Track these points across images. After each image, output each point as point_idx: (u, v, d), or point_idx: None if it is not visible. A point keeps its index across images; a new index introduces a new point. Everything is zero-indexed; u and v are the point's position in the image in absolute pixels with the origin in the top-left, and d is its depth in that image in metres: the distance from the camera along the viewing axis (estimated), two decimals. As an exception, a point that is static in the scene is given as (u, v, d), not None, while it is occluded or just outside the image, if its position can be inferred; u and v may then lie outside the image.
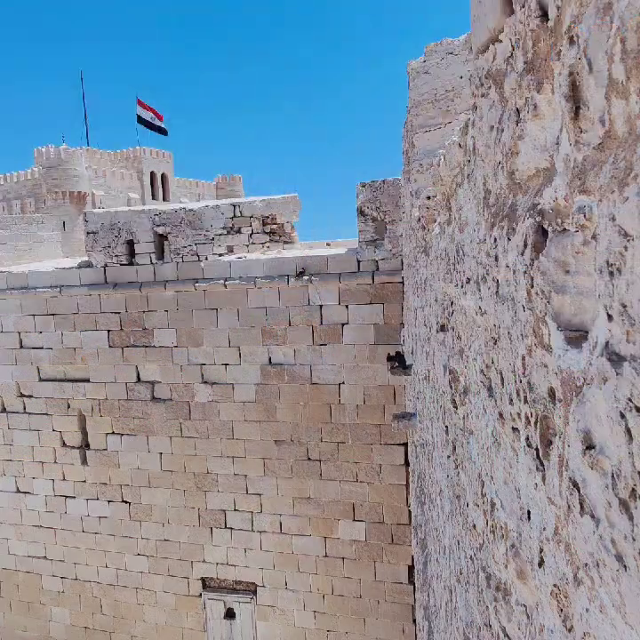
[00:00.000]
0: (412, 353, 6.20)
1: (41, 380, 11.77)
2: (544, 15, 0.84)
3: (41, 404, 11.81)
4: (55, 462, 11.87)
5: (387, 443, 9.87)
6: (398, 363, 6.87)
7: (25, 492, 12.15)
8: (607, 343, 0.64)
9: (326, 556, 10.46)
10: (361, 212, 9.57)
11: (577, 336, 0.75)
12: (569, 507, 0.78)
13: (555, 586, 0.88)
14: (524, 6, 0.91)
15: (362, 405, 9.94)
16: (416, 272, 4.94)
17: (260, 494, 10.72)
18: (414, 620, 9.86)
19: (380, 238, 9.56)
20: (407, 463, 9.73)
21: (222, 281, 10.37)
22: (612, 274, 0.61)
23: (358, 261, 9.68)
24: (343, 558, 10.37)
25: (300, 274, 9.92)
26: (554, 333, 0.82)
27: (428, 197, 2.76)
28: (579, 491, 0.73)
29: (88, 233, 11.21)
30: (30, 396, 11.87)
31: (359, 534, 10.21)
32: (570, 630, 0.81)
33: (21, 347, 11.81)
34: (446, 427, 2.47)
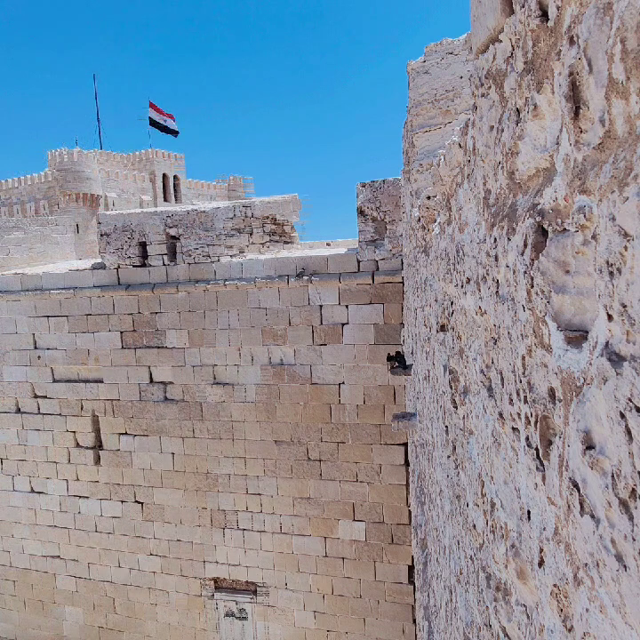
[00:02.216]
0: (412, 353, 6.19)
1: (55, 380, 11.79)
2: (544, 15, 0.84)
3: (55, 404, 11.83)
4: (69, 462, 11.90)
5: (387, 443, 9.87)
6: (398, 362, 6.86)
7: (39, 492, 12.19)
8: (607, 343, 0.64)
9: (326, 555, 10.46)
10: (361, 212, 9.57)
11: (577, 336, 0.75)
12: (569, 507, 0.78)
13: (555, 586, 0.88)
14: (523, 6, 0.91)
15: (362, 405, 9.94)
16: (416, 272, 4.94)
17: (259, 494, 10.72)
18: (414, 620, 9.87)
19: (380, 238, 9.56)
20: (407, 463, 9.73)
21: (227, 281, 10.38)
22: (612, 274, 0.61)
23: (358, 261, 9.68)
24: (343, 558, 10.37)
25: (300, 274, 9.92)
26: (554, 333, 0.82)
27: (428, 197, 2.76)
28: (579, 491, 0.73)
29: (101, 235, 11.24)
30: (44, 397, 11.90)
31: (359, 534, 10.21)
32: (570, 630, 0.81)
33: (35, 348, 11.85)
34: (446, 427, 2.47)
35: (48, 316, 11.67)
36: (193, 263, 10.72)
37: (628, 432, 0.58)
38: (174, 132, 37.56)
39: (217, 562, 11.18)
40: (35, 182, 32.86)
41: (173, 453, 11.21)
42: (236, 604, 11.14)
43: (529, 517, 1.03)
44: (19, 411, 12.12)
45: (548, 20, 0.82)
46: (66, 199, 31.31)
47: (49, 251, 14.36)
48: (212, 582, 11.31)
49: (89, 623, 12.29)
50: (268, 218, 10.69)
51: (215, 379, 10.76)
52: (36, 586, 12.57)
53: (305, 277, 9.87)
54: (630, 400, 0.58)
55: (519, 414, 1.06)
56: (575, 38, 0.69)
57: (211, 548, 11.19)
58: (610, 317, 0.62)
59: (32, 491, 12.25)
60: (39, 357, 11.81)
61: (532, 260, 0.91)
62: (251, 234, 10.66)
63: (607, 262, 0.62)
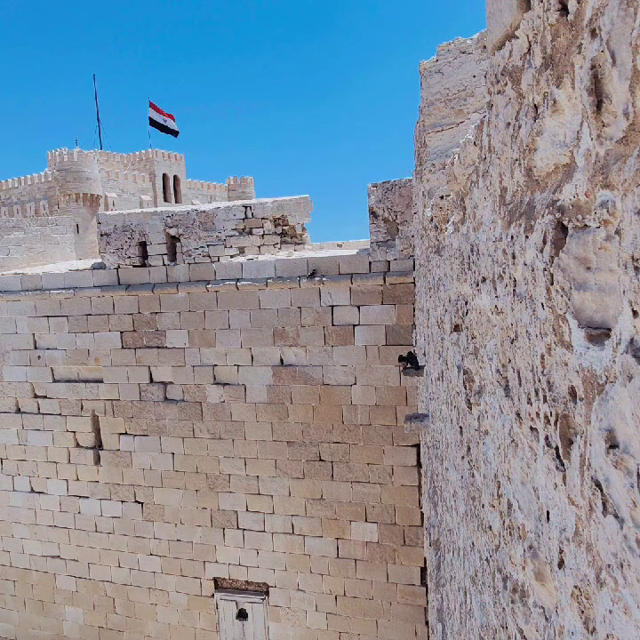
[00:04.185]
0: (424, 354, 6.17)
1: (55, 380, 11.86)
2: (563, 9, 0.83)
3: (55, 404, 11.90)
4: (69, 462, 11.97)
5: (399, 444, 9.84)
6: (410, 363, 6.83)
7: (39, 492, 12.25)
8: (632, 340, 0.63)
9: (338, 557, 10.45)
10: (373, 213, 9.55)
11: (599, 334, 0.74)
12: (591, 507, 0.76)
13: (576, 587, 0.87)
14: (542, 1, 0.91)
15: (373, 406, 9.92)
16: (428, 272, 4.92)
17: (271, 495, 10.72)
18: (427, 622, 9.82)
19: (392, 239, 9.53)
20: (419, 464, 9.69)
21: (234, 282, 10.39)
22: (637, 269, 0.60)
23: (370, 262, 9.67)
24: (355, 560, 10.35)
25: (312, 275, 9.92)
26: (575, 331, 0.81)
27: (442, 197, 2.74)
28: (601, 490, 0.72)
29: (101, 235, 11.29)
30: (44, 397, 11.97)
31: (371, 536, 10.18)
32: (592, 632, 0.80)
33: (35, 348, 11.92)
34: (460, 427, 2.46)
35: (48, 316, 11.72)
36: (193, 263, 10.75)
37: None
38: (174, 132, 37.66)
39: (229, 563, 11.19)
40: (35, 182, 33.08)
41: (174, 453, 11.25)
42: (243, 604, 11.14)
43: (548, 518, 1.02)
44: (19, 411, 12.19)
45: (567, 13, 0.81)
46: (66, 199, 31.48)
47: (49, 251, 14.44)
48: (213, 582, 11.32)
49: (89, 623, 12.34)
50: (279, 219, 10.69)
51: (221, 379, 10.79)
52: (36, 586, 12.63)
53: (316, 278, 9.87)
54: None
55: (538, 414, 1.05)
56: (597, 31, 0.68)
57: (215, 547, 11.19)
58: (635, 314, 0.61)
59: (32, 491, 12.31)
60: (39, 357, 11.88)
61: (552, 257, 0.90)
62: (261, 236, 10.67)
63: (632, 257, 0.61)
